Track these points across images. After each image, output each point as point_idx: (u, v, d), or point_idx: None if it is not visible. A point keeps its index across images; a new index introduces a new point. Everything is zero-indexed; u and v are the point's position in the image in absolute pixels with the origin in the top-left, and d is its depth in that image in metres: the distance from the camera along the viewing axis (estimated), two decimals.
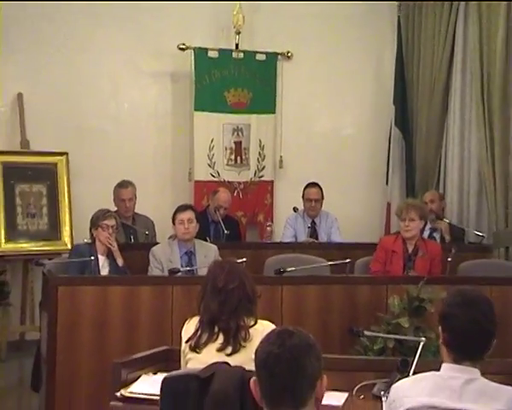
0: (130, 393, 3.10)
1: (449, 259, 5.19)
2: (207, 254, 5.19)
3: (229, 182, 7.02)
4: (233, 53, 7.00)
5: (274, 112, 7.11)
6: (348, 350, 4.13)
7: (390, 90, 7.15)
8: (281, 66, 7.11)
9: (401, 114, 7.09)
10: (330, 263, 5.14)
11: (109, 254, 5.16)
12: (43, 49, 6.65)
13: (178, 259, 5.18)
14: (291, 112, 7.17)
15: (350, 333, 3.93)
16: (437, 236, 6.18)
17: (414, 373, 2.93)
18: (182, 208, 5.30)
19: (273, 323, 3.09)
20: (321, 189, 6.48)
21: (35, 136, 6.52)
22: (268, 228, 6.77)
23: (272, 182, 7.21)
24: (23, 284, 6.40)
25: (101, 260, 5.13)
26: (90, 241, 5.19)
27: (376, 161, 7.32)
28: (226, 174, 7.03)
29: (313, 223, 6.51)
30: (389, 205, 7.03)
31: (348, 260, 5.01)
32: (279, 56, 7.11)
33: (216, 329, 3.08)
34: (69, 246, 6.10)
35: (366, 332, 3.87)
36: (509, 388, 2.35)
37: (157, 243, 5.55)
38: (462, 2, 6.63)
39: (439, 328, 2.41)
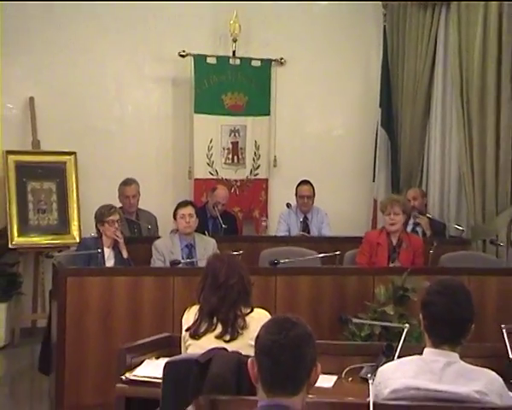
0: (135, 376, 3.11)
1: (431, 251, 5.23)
2: (206, 247, 5.20)
3: (226, 180, 7.01)
4: (230, 59, 7.00)
5: (268, 114, 7.10)
6: (337, 336, 4.12)
7: (377, 93, 7.14)
8: (275, 71, 7.10)
9: (387, 116, 7.08)
10: (321, 255, 5.14)
11: (114, 247, 5.16)
12: (51, 54, 6.62)
13: (179, 251, 5.18)
14: (284, 114, 7.17)
15: (339, 320, 3.94)
16: (419, 230, 6.18)
17: (398, 357, 2.94)
18: (183, 204, 5.31)
19: (268, 311, 3.10)
20: (312, 186, 6.50)
21: (45, 137, 6.52)
22: (263, 223, 6.80)
23: (267, 180, 7.20)
24: (34, 275, 6.42)
25: (107, 252, 5.13)
26: (96, 235, 5.20)
27: (364, 160, 7.31)
28: (224, 173, 7.03)
29: (305, 218, 6.52)
30: (375, 201, 7.02)
31: (338, 253, 5.03)
32: (273, 62, 7.10)
33: (215, 320, 3.06)
34: (77, 239, 6.11)
35: (354, 319, 3.89)
36: (487, 370, 2.37)
37: (159, 237, 5.56)
38: (444, 9, 6.61)
39: (420, 315, 2.42)
